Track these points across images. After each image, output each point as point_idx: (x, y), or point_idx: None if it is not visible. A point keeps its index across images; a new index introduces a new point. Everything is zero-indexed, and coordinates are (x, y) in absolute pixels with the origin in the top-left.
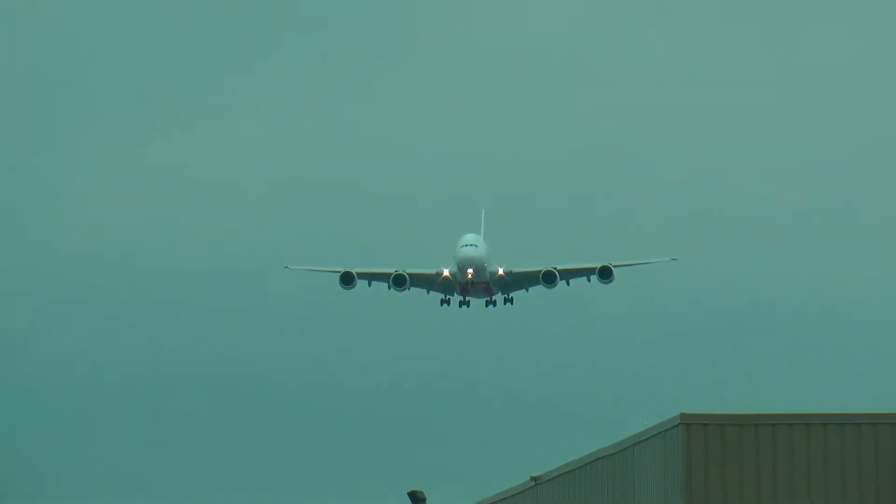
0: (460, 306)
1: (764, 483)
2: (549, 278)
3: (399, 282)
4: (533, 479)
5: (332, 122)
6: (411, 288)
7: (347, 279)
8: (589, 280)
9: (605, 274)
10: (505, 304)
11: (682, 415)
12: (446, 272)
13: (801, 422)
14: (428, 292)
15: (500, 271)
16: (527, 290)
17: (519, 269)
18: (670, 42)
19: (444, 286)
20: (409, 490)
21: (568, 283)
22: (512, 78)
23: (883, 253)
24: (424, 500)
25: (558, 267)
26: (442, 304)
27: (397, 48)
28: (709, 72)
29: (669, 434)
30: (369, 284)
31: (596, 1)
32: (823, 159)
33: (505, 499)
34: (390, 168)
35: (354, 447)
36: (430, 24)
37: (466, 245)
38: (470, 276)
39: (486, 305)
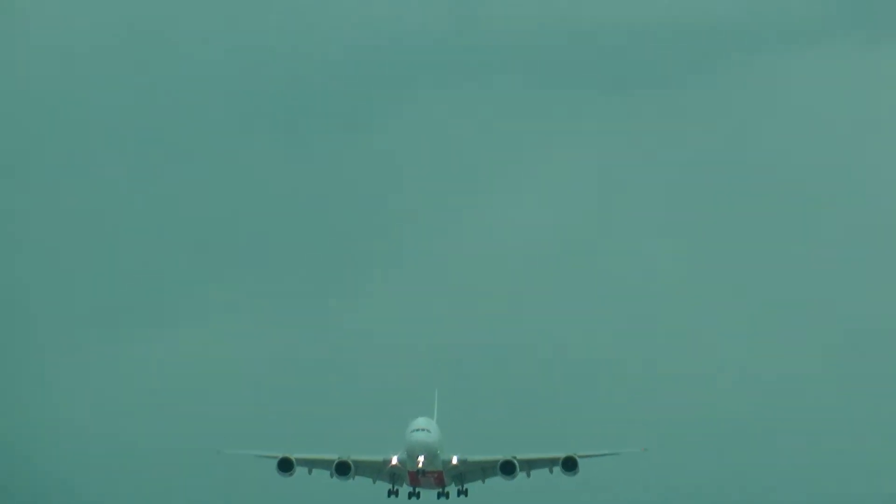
0: (409, 498)
1: None
2: (507, 469)
3: (342, 470)
4: None
5: (278, 313)
6: (356, 477)
7: (286, 465)
8: (552, 471)
9: (569, 465)
10: (459, 496)
11: None
12: (395, 460)
13: None
14: (374, 482)
15: (454, 460)
16: (483, 482)
17: (475, 457)
18: (621, 247)
19: (392, 475)
20: None
21: (528, 475)
22: (472, 261)
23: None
24: None
25: (518, 456)
26: (389, 496)
27: (346, 243)
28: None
29: None
30: (310, 472)
31: (557, 201)
32: (796, 366)
33: None
34: (336, 346)
35: None
36: (379, 223)
37: (417, 430)
38: (421, 464)
39: (438, 497)
